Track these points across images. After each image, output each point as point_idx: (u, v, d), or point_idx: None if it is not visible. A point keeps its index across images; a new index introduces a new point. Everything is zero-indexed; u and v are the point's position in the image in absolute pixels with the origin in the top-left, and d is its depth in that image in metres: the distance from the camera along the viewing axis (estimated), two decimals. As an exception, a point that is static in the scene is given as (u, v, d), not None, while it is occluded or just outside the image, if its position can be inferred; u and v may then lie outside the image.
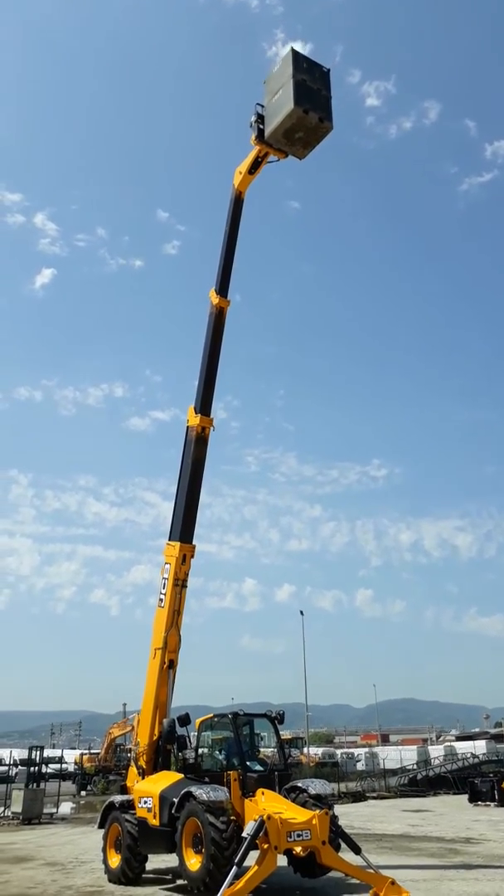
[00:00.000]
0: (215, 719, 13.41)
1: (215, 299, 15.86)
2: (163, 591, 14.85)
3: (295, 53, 15.02)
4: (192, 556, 15.05)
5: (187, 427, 15.57)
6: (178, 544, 14.84)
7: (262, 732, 14.42)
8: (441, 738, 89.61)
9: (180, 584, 14.72)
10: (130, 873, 12.58)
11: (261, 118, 15.55)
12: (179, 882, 12.23)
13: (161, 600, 14.82)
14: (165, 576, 14.90)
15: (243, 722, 13.05)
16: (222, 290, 15.91)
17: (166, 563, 15.01)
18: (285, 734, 51.41)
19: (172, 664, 14.48)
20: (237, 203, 16.18)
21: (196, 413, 15.45)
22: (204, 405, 15.46)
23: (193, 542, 15.10)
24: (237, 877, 9.90)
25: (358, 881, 11.26)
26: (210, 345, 15.71)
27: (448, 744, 62.25)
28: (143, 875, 12.89)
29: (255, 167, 15.89)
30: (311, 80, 14.93)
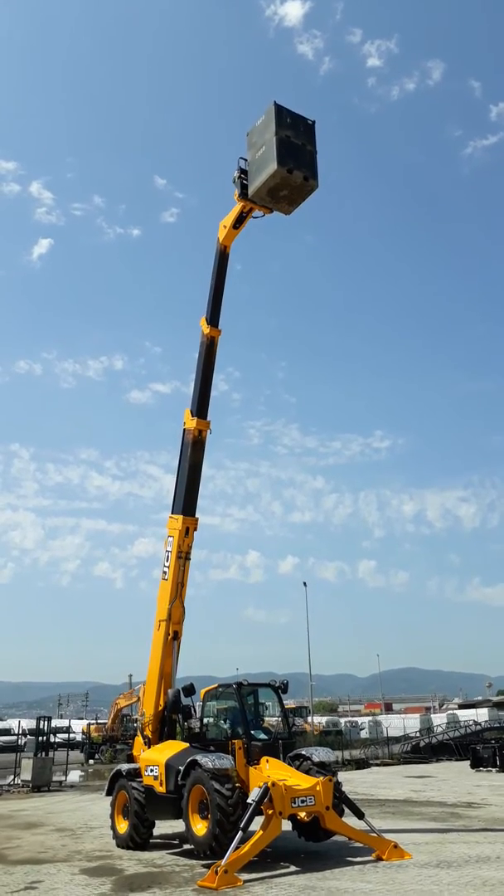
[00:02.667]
0: (220, 689, 13.56)
1: (206, 329, 15.46)
2: (166, 564, 14.93)
3: (278, 108, 14.26)
4: (195, 529, 15.09)
5: (184, 430, 15.42)
6: (180, 517, 14.88)
7: (266, 702, 14.58)
8: (444, 707, 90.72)
9: (183, 556, 14.79)
10: (138, 838, 12.85)
11: (244, 172, 14.93)
12: (186, 846, 12.49)
13: (165, 573, 14.91)
14: (169, 549, 14.97)
15: (248, 691, 13.21)
16: (213, 320, 15.52)
17: (169, 536, 15.07)
18: (289, 703, 52.07)
19: (177, 635, 14.62)
20: (222, 257, 15.66)
21: (192, 416, 15.25)
22: (200, 408, 15.26)
23: (196, 515, 15.15)
24: (243, 841, 10.13)
25: (361, 845, 11.51)
26: (203, 369, 15.39)
27: (450, 712, 63.07)
28: (151, 840, 13.16)
29: (239, 221, 15.35)
30: (295, 136, 14.25)
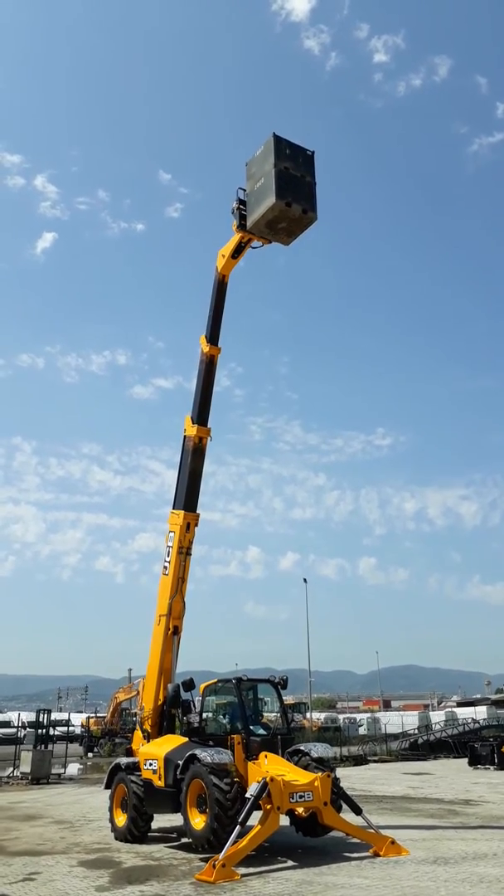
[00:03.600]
0: (219, 684, 13.61)
1: (206, 347, 15.36)
2: (167, 559, 14.95)
3: (277, 140, 14.08)
4: (197, 525, 15.11)
5: (184, 436, 15.39)
6: (182, 513, 14.90)
7: (265, 697, 14.62)
8: (442, 704, 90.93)
9: (185, 551, 14.81)
10: (136, 832, 12.90)
11: (243, 203, 14.79)
12: (184, 840, 12.54)
13: (165, 568, 14.93)
14: (170, 544, 14.99)
15: (247, 687, 13.24)
16: (212, 339, 15.42)
17: (171, 532, 15.09)
18: (288, 699, 52.15)
19: (177, 630, 14.65)
20: (221, 285, 15.56)
21: (193, 423, 15.20)
22: (201, 416, 15.21)
23: (198, 511, 15.17)
24: (241, 835, 10.17)
25: (358, 840, 11.57)
26: (203, 384, 15.32)
27: (449, 709, 63.23)
28: (149, 834, 13.21)
29: (238, 251, 15.23)
30: (294, 167, 14.08)
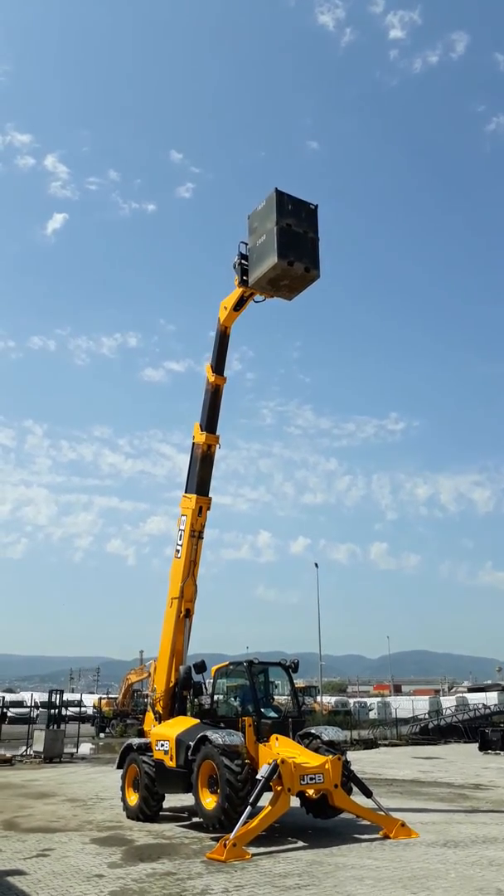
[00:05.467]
0: (231, 667, 13.67)
1: (212, 377, 15.30)
2: (179, 542, 15.00)
3: (279, 195, 13.77)
4: (208, 509, 15.12)
5: (193, 443, 15.37)
6: (194, 496, 14.92)
7: (276, 680, 14.69)
8: (453, 690, 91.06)
9: (196, 535, 14.85)
10: (148, 811, 13.04)
11: (244, 257, 14.57)
12: (195, 819, 12.66)
13: (178, 551, 14.98)
14: (182, 527, 15.03)
15: (258, 670, 13.30)
16: (218, 368, 15.39)
17: (182, 515, 15.12)
18: (299, 683, 52.44)
19: (189, 613, 14.72)
20: (223, 337, 15.45)
21: (202, 431, 15.17)
22: (210, 424, 15.19)
23: (209, 495, 15.19)
24: (251, 816, 10.26)
25: (369, 823, 11.63)
26: (209, 407, 15.23)
27: (460, 695, 63.29)
28: (161, 813, 13.35)
29: (240, 304, 15.08)
30: (297, 223, 13.80)
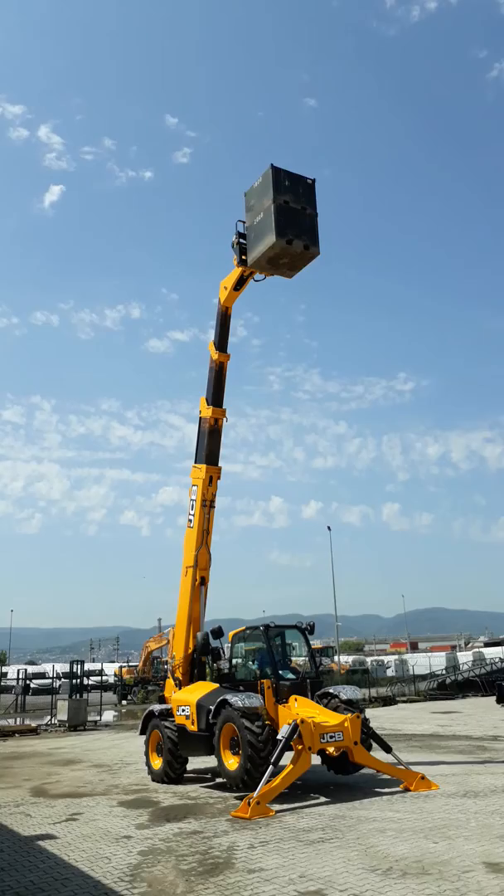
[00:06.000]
0: (247, 631, 13.83)
1: (215, 355, 15.16)
2: (191, 512, 15.08)
3: (275, 171, 13.37)
4: (219, 478, 15.16)
5: (200, 418, 15.32)
6: (204, 466, 14.96)
7: (293, 643, 14.86)
8: (470, 645, 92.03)
9: (208, 504, 14.91)
10: (172, 773, 13.34)
11: (242, 236, 14.23)
12: (219, 780, 12.94)
13: (190, 521, 15.07)
14: (193, 497, 15.09)
15: (275, 633, 13.44)
16: (221, 346, 15.21)
17: (193, 485, 15.17)
18: (316, 644, 53.14)
19: (204, 581, 14.85)
20: (224, 318, 15.22)
21: (208, 405, 15.11)
22: (216, 398, 15.12)
23: (219, 464, 15.21)
24: (273, 775, 10.47)
25: (389, 777, 11.85)
26: (214, 385, 15.16)
27: (477, 650, 63.93)
28: (185, 775, 13.65)
29: (240, 283, 14.79)
30: (295, 199, 13.38)
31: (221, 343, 15.33)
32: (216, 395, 15.21)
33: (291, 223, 13.35)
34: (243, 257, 14.33)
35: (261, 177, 13.74)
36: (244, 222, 14.28)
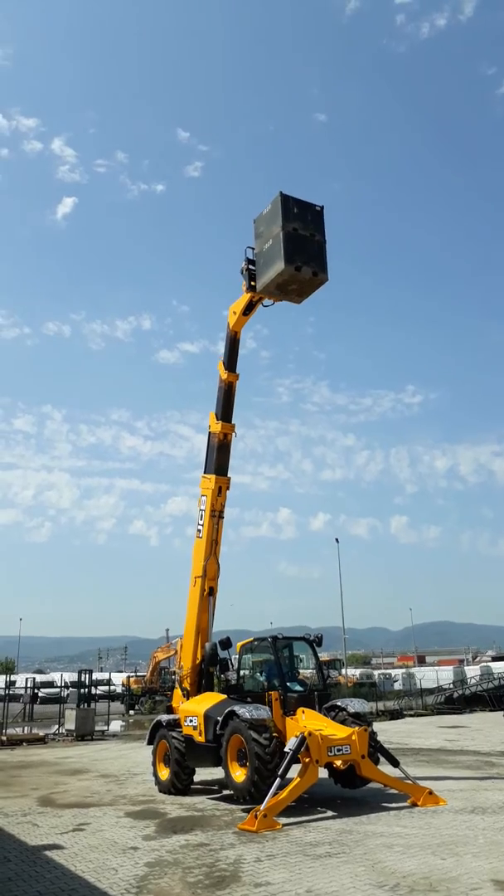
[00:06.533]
0: (255, 643, 13.82)
1: (224, 374, 15.29)
2: (200, 522, 15.12)
3: (284, 199, 13.51)
4: (228, 488, 15.21)
5: (209, 432, 15.42)
6: (213, 476, 15.01)
7: (301, 655, 14.83)
8: (477, 659, 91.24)
9: (217, 514, 14.95)
10: (179, 784, 13.31)
11: (252, 262, 14.39)
12: (226, 792, 12.91)
13: (199, 531, 15.11)
14: (202, 507, 15.13)
15: (283, 645, 13.44)
16: (230, 366, 15.34)
17: (202, 495, 15.21)
18: (323, 656, 52.81)
19: (212, 591, 14.87)
20: (233, 342, 15.37)
21: (217, 420, 15.20)
22: (225, 414, 15.22)
23: (228, 475, 15.26)
24: (281, 787, 10.44)
25: (396, 791, 11.78)
26: (224, 404, 15.25)
27: (484, 664, 63.43)
28: (191, 786, 13.62)
29: (249, 308, 14.96)
30: (303, 227, 13.53)
31: (231, 363, 15.45)
32: (225, 412, 15.29)
33: (300, 250, 13.46)
34: (252, 283, 14.44)
35: (270, 204, 13.87)
36: (253, 248, 14.42)
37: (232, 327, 15.37)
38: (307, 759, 10.73)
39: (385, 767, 11.67)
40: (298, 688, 12.87)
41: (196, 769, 13.58)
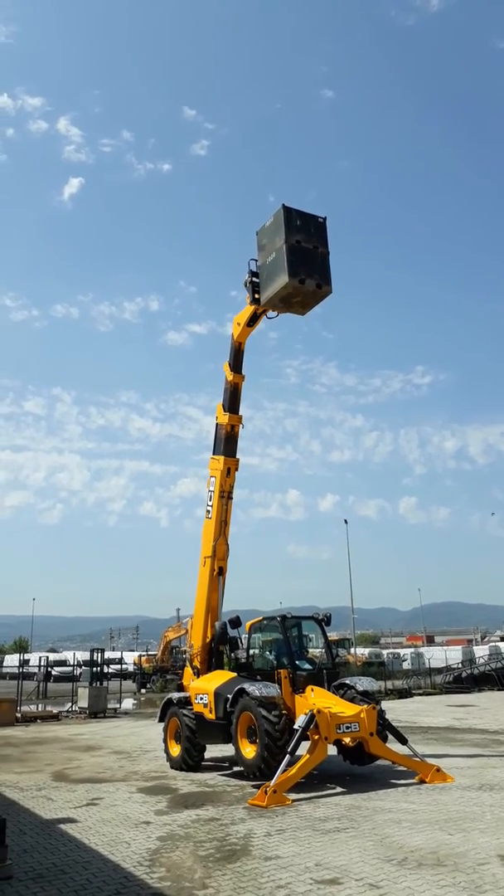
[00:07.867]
0: (265, 622, 13.94)
1: (230, 376, 15.26)
2: (209, 504, 15.20)
3: (287, 211, 13.35)
4: (237, 470, 15.26)
5: (216, 424, 15.44)
6: (222, 458, 15.06)
7: (310, 634, 14.95)
8: (486, 639, 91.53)
9: (226, 496, 15.02)
10: (190, 761, 13.52)
11: (255, 275, 14.29)
12: (236, 769, 13.09)
13: (208, 512, 15.19)
14: (211, 489, 15.21)
15: (292, 624, 13.55)
16: (236, 368, 15.30)
17: (211, 477, 15.28)
18: (332, 636, 53.14)
19: (222, 571, 14.98)
20: (238, 353, 15.30)
21: (224, 412, 15.23)
22: (232, 406, 15.24)
23: (237, 456, 15.31)
24: (290, 764, 10.59)
25: (404, 768, 11.92)
26: (230, 400, 15.26)
27: (493, 644, 63.66)
28: (202, 763, 13.83)
29: (253, 320, 14.89)
30: (307, 239, 13.36)
31: (236, 366, 15.47)
32: (232, 405, 15.36)
33: (304, 263, 13.35)
34: (256, 296, 14.43)
35: (272, 216, 13.75)
36: (256, 261, 14.35)
37: (236, 338, 15.35)
38: (316, 737, 10.86)
39: (393, 745, 11.80)
40: (307, 666, 12.99)
41: (206, 746, 13.77)
